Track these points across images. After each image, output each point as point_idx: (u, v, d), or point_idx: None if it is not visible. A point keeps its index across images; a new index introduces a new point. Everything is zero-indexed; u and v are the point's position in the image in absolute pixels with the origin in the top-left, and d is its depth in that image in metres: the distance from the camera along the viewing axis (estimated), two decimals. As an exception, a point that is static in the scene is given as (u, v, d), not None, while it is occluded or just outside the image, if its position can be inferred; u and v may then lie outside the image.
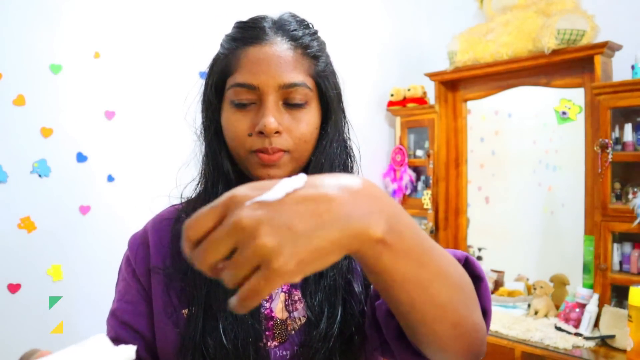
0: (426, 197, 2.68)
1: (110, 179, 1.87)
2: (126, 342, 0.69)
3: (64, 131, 1.75)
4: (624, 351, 1.80)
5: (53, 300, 1.71)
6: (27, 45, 1.67)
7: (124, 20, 1.89)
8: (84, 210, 1.81)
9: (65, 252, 1.76)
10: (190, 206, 0.74)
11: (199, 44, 2.01)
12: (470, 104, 2.70)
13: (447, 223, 2.71)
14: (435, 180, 2.67)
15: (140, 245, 0.75)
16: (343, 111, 0.75)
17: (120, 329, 0.71)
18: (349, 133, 0.75)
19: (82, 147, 1.80)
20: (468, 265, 0.58)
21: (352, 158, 0.76)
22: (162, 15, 1.99)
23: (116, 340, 0.69)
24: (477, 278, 0.57)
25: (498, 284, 2.53)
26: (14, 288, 1.64)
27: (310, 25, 0.72)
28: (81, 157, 1.80)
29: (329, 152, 0.70)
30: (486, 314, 0.56)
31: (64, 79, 1.75)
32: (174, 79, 1.96)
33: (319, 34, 0.73)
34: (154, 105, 1.93)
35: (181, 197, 0.76)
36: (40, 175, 1.71)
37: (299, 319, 0.68)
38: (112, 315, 0.73)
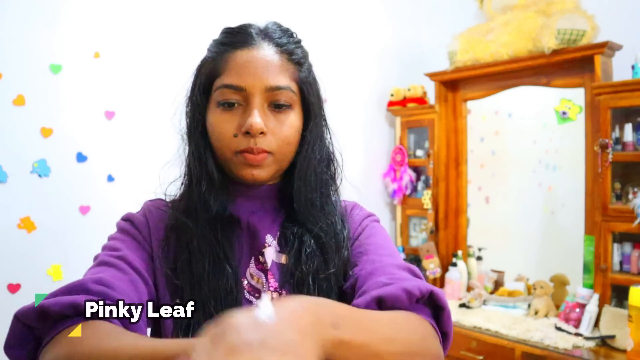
0: (426, 197, 2.68)
1: (110, 179, 1.87)
2: (140, 287, 0.65)
3: (64, 131, 1.75)
4: (624, 351, 1.80)
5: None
6: (27, 45, 1.67)
7: (124, 20, 1.89)
8: (84, 210, 1.81)
9: (65, 252, 1.76)
10: (175, 206, 0.75)
11: (199, 44, 2.00)
12: (470, 104, 2.70)
13: (447, 223, 2.71)
14: (435, 180, 2.67)
15: (142, 220, 0.73)
16: (324, 118, 0.78)
17: (131, 272, 0.65)
18: (331, 140, 0.79)
19: (82, 147, 1.80)
20: (432, 297, 0.63)
21: (335, 163, 0.79)
22: (162, 15, 1.99)
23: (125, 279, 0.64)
24: (440, 307, 0.63)
25: (498, 284, 2.53)
26: (13, 288, 1.64)
27: (294, 35, 0.76)
28: (81, 157, 1.80)
29: (311, 156, 0.73)
30: (447, 336, 0.64)
31: (64, 79, 1.75)
32: (174, 79, 1.96)
33: (302, 43, 0.76)
34: (154, 105, 1.93)
35: (165, 194, 0.77)
36: (40, 175, 1.71)
37: None
38: (118, 258, 0.65)
